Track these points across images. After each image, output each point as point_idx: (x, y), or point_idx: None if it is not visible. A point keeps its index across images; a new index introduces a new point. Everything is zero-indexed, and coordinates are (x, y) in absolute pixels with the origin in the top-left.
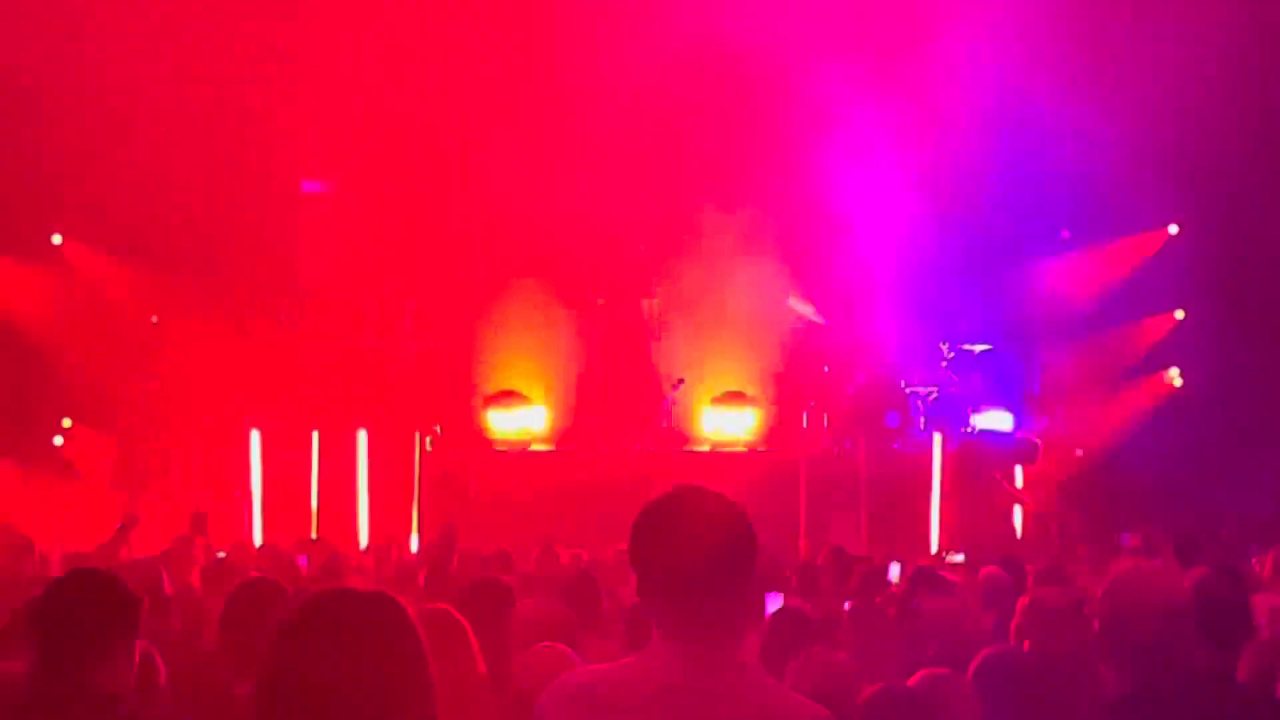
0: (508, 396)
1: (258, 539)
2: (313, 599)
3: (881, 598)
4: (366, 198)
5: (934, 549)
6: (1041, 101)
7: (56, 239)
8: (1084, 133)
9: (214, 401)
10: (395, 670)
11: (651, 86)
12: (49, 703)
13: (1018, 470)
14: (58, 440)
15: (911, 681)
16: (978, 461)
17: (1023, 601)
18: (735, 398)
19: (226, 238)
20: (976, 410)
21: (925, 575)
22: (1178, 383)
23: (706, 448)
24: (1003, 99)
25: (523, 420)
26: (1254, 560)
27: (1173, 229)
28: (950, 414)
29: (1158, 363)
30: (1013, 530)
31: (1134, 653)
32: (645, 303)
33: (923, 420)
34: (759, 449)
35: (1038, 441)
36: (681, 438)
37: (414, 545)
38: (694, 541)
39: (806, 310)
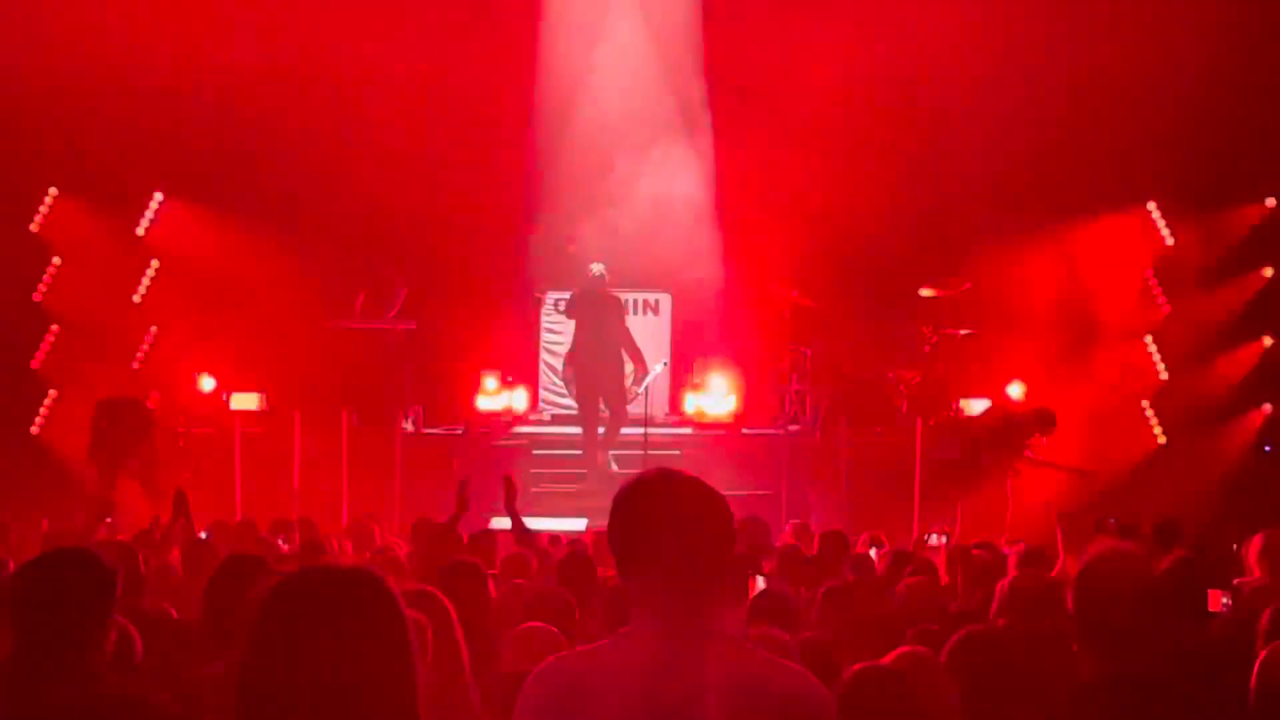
0: (492, 376)
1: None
2: (293, 575)
3: (861, 580)
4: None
5: (916, 532)
6: None
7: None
8: None
9: (196, 382)
10: (376, 646)
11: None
12: (26, 682)
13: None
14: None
15: (888, 659)
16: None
17: (1002, 584)
18: (717, 379)
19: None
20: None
21: (904, 557)
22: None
23: (688, 429)
24: None
25: (506, 400)
26: (1236, 545)
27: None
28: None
29: None
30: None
31: (1107, 635)
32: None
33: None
34: (740, 430)
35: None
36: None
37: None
38: (671, 522)
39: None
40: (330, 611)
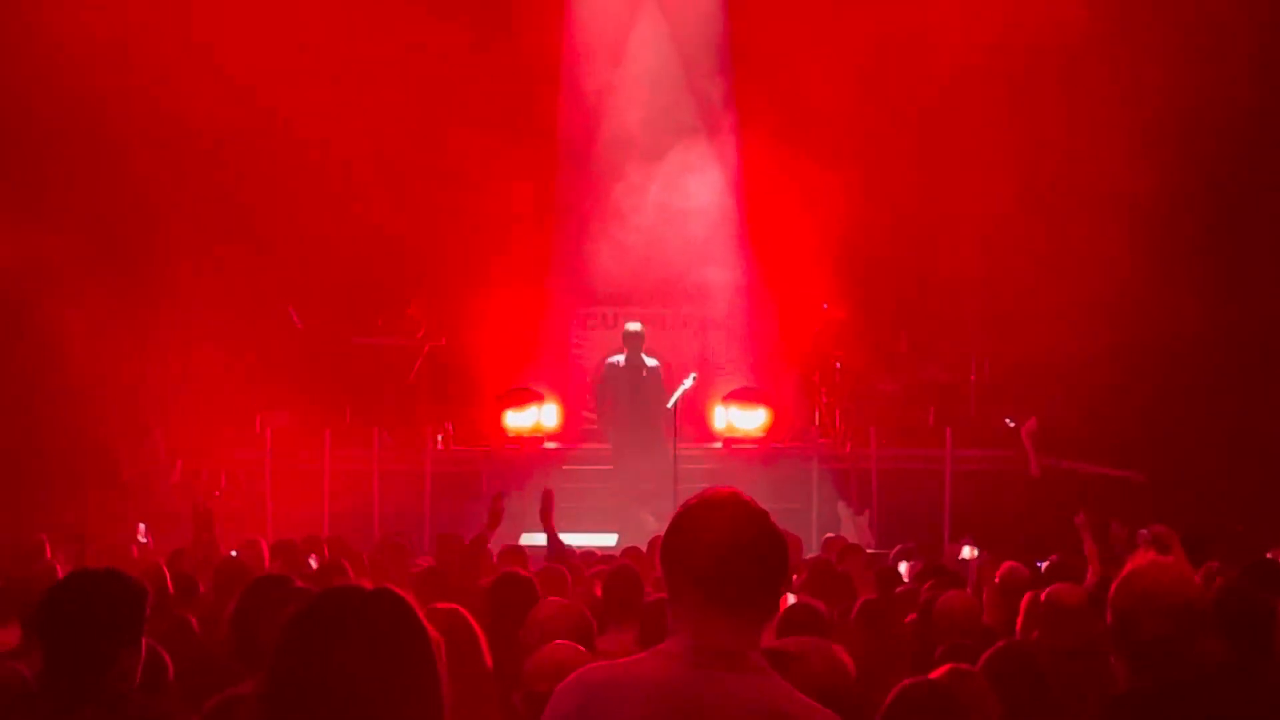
0: (521, 393)
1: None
2: (319, 596)
3: (893, 594)
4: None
5: (948, 545)
6: None
7: None
8: None
9: (225, 398)
10: (401, 666)
11: None
12: (56, 703)
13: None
14: None
15: (933, 675)
16: None
17: (1029, 597)
18: (747, 393)
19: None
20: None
21: (935, 571)
22: None
23: (718, 444)
24: None
25: (535, 417)
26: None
27: None
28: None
29: None
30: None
31: (1145, 647)
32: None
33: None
34: (771, 444)
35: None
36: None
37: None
38: (718, 545)
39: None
40: (354, 632)
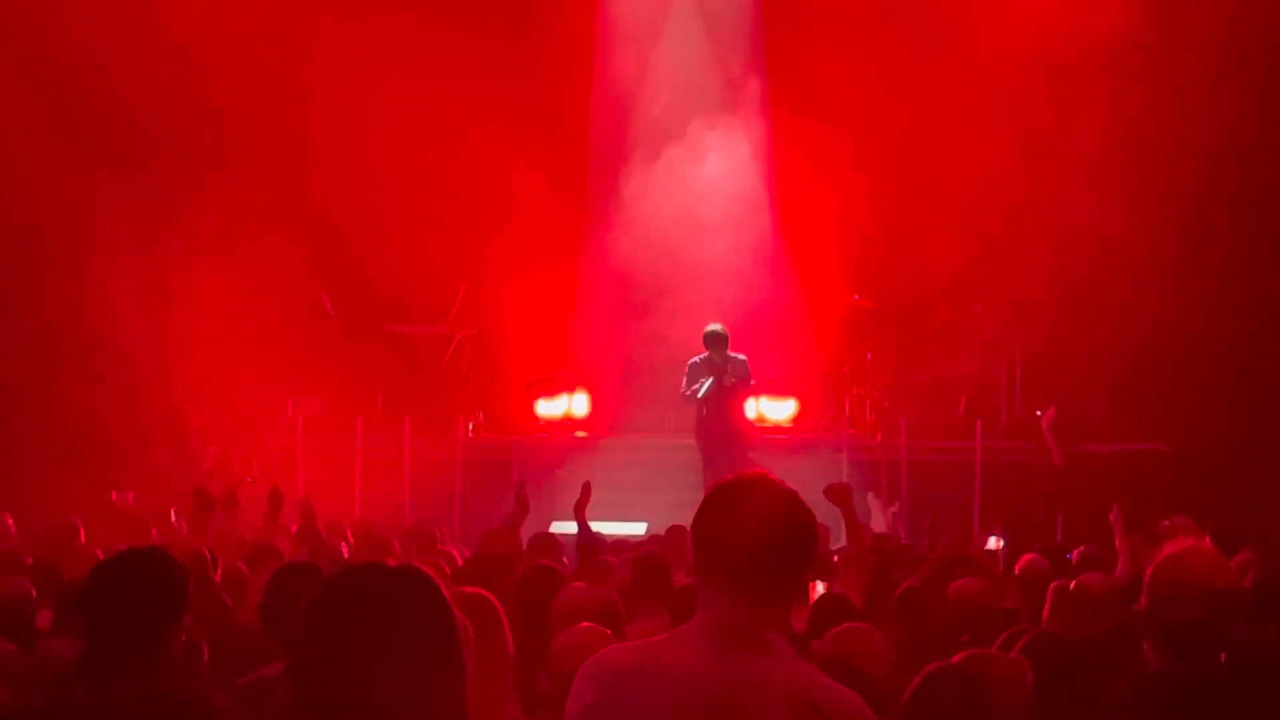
0: (552, 382)
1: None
2: (344, 572)
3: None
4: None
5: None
6: None
7: None
8: None
9: (257, 384)
10: (425, 643)
11: None
12: (94, 680)
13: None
14: None
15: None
16: None
17: (1055, 586)
18: (777, 384)
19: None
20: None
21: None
22: None
23: None
24: None
25: (565, 406)
26: None
27: None
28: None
29: None
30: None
31: (1178, 631)
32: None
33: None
34: (800, 434)
35: None
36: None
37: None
38: (746, 527)
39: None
40: (379, 608)
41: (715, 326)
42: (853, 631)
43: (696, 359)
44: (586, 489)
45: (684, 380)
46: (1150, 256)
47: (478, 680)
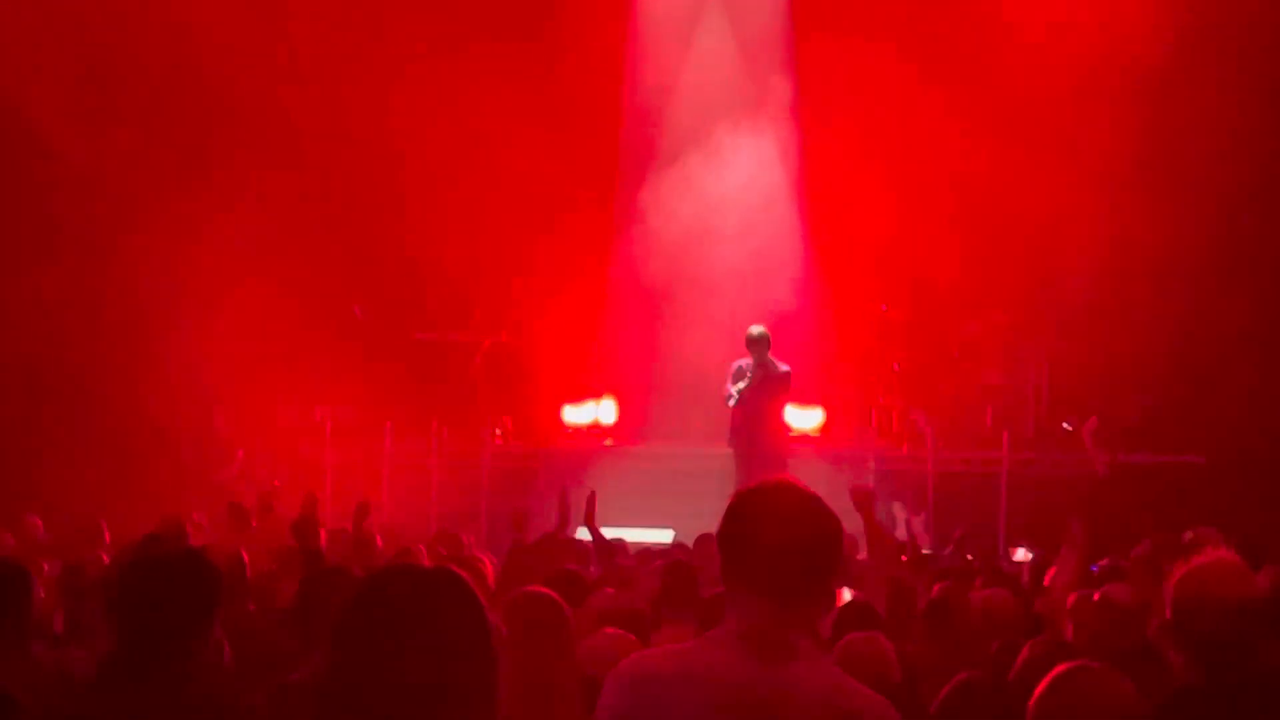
0: (580, 389)
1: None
2: (379, 574)
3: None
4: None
5: (1003, 548)
6: None
7: None
8: None
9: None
10: (458, 643)
11: None
12: (124, 680)
13: None
14: None
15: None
16: None
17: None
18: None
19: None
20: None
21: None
22: None
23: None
24: None
25: (593, 413)
26: None
27: None
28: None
29: None
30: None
31: (1203, 644)
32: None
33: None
34: (826, 444)
35: None
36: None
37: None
38: (774, 533)
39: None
40: (413, 609)
41: (757, 328)
42: (862, 641)
43: (740, 363)
44: (592, 499)
45: (728, 384)
46: (1178, 267)
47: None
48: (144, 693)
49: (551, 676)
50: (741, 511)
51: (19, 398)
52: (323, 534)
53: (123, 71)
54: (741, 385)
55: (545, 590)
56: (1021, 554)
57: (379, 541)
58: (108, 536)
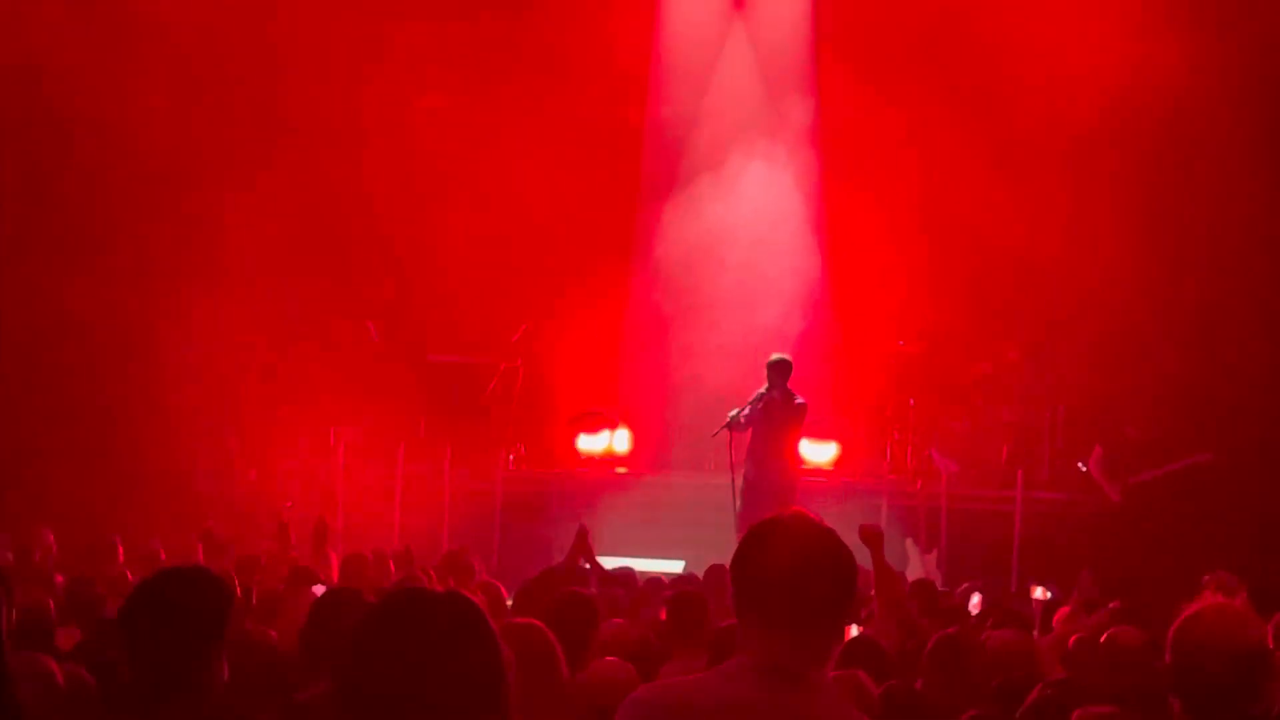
0: (594, 417)
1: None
2: (390, 595)
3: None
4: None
5: (1015, 585)
6: None
7: None
8: None
9: (300, 410)
10: (467, 666)
11: None
12: (142, 703)
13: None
14: None
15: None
16: None
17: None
18: (818, 426)
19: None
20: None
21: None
22: None
23: None
24: None
25: (607, 441)
26: None
27: None
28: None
29: None
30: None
31: (1204, 692)
32: None
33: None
34: (841, 478)
35: None
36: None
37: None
38: (788, 567)
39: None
40: (424, 633)
41: (777, 355)
42: (842, 680)
43: (762, 390)
44: (583, 532)
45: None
46: (1188, 304)
47: (534, 711)
48: (161, 713)
49: (542, 707)
50: (756, 544)
51: (35, 415)
52: (334, 557)
53: (137, 89)
54: (736, 412)
55: (533, 621)
56: (1040, 592)
57: (391, 566)
58: (121, 555)
